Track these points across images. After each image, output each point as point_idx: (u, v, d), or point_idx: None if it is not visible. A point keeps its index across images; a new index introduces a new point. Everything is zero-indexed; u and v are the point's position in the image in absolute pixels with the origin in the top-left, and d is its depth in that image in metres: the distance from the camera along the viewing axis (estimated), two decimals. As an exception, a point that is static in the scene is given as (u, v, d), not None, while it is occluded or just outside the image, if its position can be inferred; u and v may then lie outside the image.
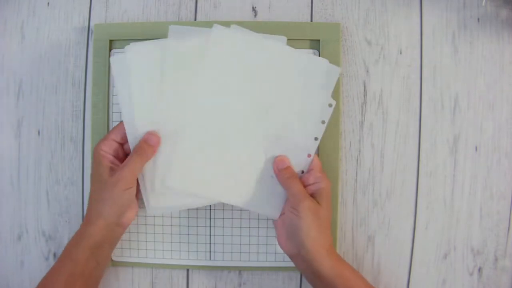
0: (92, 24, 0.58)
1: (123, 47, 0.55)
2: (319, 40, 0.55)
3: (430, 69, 0.56)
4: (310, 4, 0.57)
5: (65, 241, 0.58)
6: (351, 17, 0.57)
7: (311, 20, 0.57)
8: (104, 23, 0.58)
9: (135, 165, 0.49)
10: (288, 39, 0.54)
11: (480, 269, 0.57)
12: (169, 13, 0.58)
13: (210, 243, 0.57)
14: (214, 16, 0.57)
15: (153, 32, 0.55)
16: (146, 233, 0.57)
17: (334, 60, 0.55)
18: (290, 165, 0.52)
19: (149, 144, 0.50)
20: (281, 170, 0.51)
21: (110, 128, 0.56)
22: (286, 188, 0.51)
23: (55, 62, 0.58)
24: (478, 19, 0.56)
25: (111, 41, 0.56)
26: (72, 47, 0.58)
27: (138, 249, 0.57)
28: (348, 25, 0.57)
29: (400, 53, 0.57)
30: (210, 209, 0.56)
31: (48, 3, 0.58)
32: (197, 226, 0.56)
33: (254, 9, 0.57)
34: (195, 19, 0.57)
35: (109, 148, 0.50)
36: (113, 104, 0.56)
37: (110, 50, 0.56)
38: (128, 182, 0.48)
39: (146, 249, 0.57)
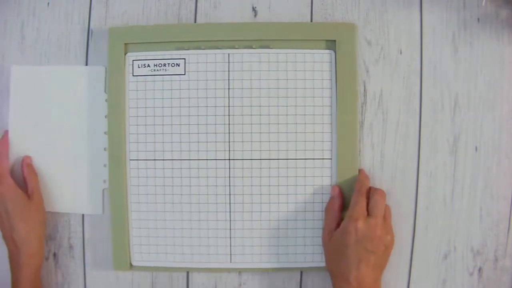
0: (92, 24, 0.58)
1: (138, 51, 0.55)
2: (335, 41, 0.55)
3: (430, 69, 0.56)
4: (310, 4, 0.57)
5: (65, 241, 0.58)
6: (351, 17, 0.57)
7: (311, 20, 0.57)
8: (119, 26, 0.57)
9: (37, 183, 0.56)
10: (304, 40, 0.55)
11: (480, 269, 0.57)
12: (169, 13, 0.57)
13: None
14: (214, 16, 0.57)
15: (167, 35, 0.56)
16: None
17: (350, 60, 0.55)
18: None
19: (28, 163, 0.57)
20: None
21: (127, 131, 0.56)
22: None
23: (55, 62, 0.58)
24: (478, 19, 0.56)
25: (126, 44, 0.56)
26: (72, 47, 0.58)
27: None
28: (348, 25, 0.57)
29: (400, 53, 0.57)
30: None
31: (48, 3, 0.58)
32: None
33: (254, 9, 0.57)
34: (195, 19, 0.57)
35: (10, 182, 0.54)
36: (129, 108, 0.56)
37: (125, 53, 0.56)
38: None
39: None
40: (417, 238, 0.56)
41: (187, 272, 0.58)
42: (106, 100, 0.56)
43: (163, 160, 0.56)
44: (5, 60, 0.59)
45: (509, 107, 0.56)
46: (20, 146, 0.57)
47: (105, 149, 0.57)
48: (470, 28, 0.56)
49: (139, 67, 0.56)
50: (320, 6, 0.57)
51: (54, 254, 0.59)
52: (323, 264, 0.55)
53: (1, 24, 0.59)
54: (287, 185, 0.56)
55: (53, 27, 0.58)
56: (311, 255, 0.56)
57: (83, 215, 0.58)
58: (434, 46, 0.56)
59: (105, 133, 0.56)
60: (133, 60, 0.56)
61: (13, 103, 0.57)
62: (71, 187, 0.57)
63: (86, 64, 0.58)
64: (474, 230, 0.56)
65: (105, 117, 0.56)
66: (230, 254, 0.56)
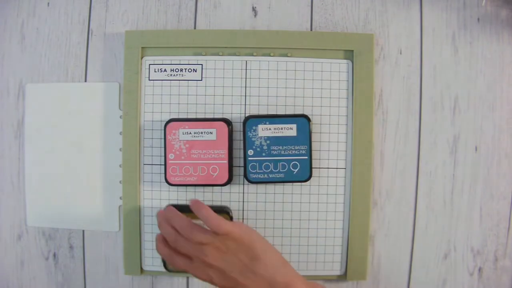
0: (92, 24, 0.58)
1: (155, 55, 0.55)
2: (352, 51, 0.55)
3: (430, 69, 0.56)
4: (310, 4, 0.57)
5: (65, 241, 0.58)
6: (351, 17, 0.57)
7: (311, 20, 0.57)
8: (135, 30, 0.57)
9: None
10: (322, 49, 0.55)
11: (480, 269, 0.57)
12: (169, 13, 0.58)
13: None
14: (214, 16, 0.57)
15: (185, 40, 0.55)
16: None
17: (367, 71, 0.55)
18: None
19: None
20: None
21: (142, 135, 0.56)
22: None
23: (55, 62, 0.58)
24: (478, 19, 0.56)
25: (143, 48, 0.56)
26: (72, 47, 0.58)
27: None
28: (348, 25, 0.57)
29: (400, 53, 0.57)
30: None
31: (48, 3, 0.58)
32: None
33: (254, 9, 0.57)
34: (195, 19, 0.57)
35: None
36: (144, 112, 0.56)
37: (142, 57, 0.56)
38: None
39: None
40: (417, 238, 0.56)
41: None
42: (120, 117, 0.56)
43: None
44: (5, 60, 0.59)
45: (509, 107, 0.56)
46: (35, 163, 0.58)
47: (120, 166, 0.57)
48: (470, 28, 0.56)
49: (155, 72, 0.56)
50: (320, 5, 0.57)
51: (54, 254, 0.59)
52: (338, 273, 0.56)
53: (1, 24, 0.59)
54: (300, 194, 0.55)
55: (53, 27, 0.58)
56: (325, 263, 0.56)
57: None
58: (434, 46, 0.56)
59: (120, 150, 0.56)
60: (149, 64, 0.56)
61: (28, 121, 0.58)
62: (86, 204, 0.57)
63: (86, 64, 0.58)
64: (474, 230, 0.56)
65: (120, 133, 0.56)
66: None
